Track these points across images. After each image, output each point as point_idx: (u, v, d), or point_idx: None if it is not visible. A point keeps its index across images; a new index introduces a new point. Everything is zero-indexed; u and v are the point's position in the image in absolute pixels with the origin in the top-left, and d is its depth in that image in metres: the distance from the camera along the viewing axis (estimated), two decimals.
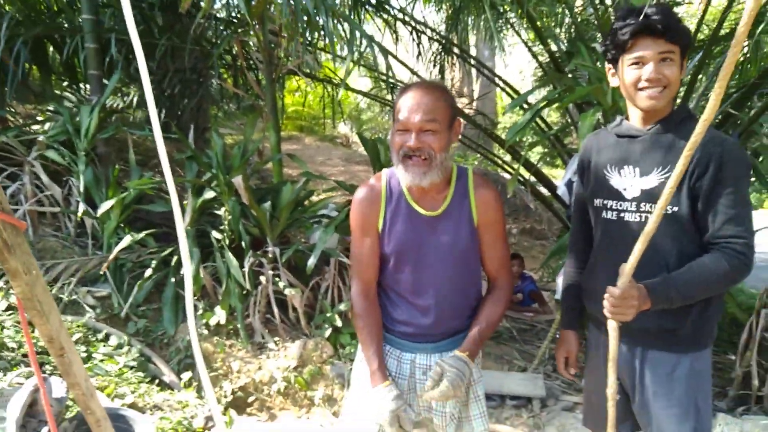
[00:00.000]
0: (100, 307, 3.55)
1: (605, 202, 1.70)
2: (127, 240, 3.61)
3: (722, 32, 3.97)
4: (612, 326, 1.46)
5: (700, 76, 4.16)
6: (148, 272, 3.66)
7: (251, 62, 5.25)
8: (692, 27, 4.92)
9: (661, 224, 1.53)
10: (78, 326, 3.27)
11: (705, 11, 4.42)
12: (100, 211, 3.80)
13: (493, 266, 1.74)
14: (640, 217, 1.61)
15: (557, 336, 4.11)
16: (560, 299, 1.98)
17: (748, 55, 4.24)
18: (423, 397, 1.66)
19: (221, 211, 3.88)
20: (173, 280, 3.65)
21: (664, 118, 1.60)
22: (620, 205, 1.66)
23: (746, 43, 3.98)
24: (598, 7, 4.36)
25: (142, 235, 3.74)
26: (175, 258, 3.73)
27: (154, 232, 3.92)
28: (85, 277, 3.69)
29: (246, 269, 3.58)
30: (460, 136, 1.62)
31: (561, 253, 3.35)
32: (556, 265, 4.05)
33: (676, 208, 1.55)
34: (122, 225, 3.91)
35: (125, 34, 4.75)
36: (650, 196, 1.58)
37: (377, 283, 1.78)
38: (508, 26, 6.13)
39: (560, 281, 3.10)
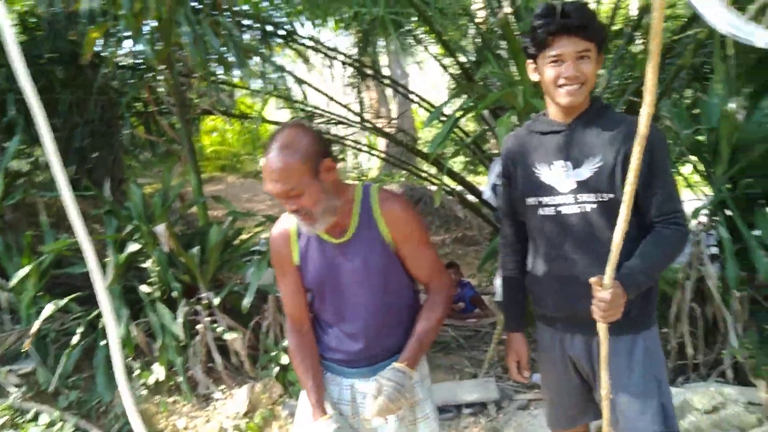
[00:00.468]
0: (26, 384, 3.30)
1: (540, 199, 1.70)
2: (49, 309, 3.39)
3: (615, 28, 4.21)
4: (602, 327, 1.50)
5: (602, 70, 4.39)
6: (75, 339, 3.43)
7: (163, 107, 5.11)
8: None
9: (596, 213, 1.62)
10: (3, 409, 3.02)
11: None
12: (14, 282, 3.56)
13: (423, 274, 1.71)
14: (580, 208, 1.64)
15: (503, 337, 4.17)
16: (501, 302, 1.99)
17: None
18: (365, 417, 1.62)
19: (148, 263, 3.72)
20: (103, 343, 3.44)
21: (584, 112, 1.66)
22: (556, 200, 1.67)
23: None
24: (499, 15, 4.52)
25: (65, 301, 3.52)
26: (102, 320, 3.52)
27: (78, 295, 3.70)
28: (5, 355, 3.42)
29: (180, 320, 3.43)
30: (334, 170, 1.56)
31: (494, 256, 3.41)
32: (491, 268, 4.12)
33: (612, 195, 1.59)
34: (41, 293, 3.67)
35: (23, 93, 4.51)
36: (586, 187, 1.62)
37: (311, 313, 1.77)
38: (417, 43, 6.27)
39: (498, 283, 3.16)
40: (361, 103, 7.18)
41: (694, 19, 3.89)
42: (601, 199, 1.61)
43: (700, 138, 3.22)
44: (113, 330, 1.45)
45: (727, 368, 2.98)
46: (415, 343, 1.63)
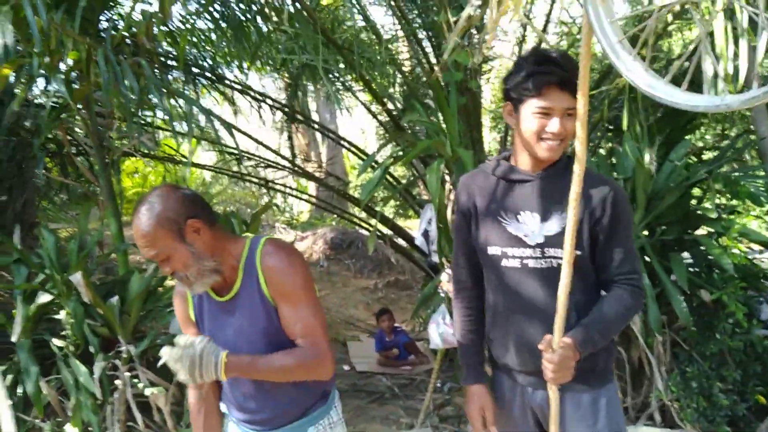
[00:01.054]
0: None
1: (504, 250, 1.63)
2: None
3: None
4: (553, 388, 1.49)
5: None
6: None
7: (80, 148, 4.88)
8: None
9: (561, 269, 1.55)
10: None
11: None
12: None
13: (294, 334, 1.56)
14: (546, 263, 1.59)
15: (438, 384, 4.16)
16: (459, 352, 1.86)
17: None
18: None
19: (62, 315, 3.46)
20: (10, 402, 3.14)
21: (553, 164, 1.60)
22: (523, 252, 1.61)
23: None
24: (425, 66, 4.69)
25: None
26: (9, 377, 3.23)
27: None
28: None
29: (97, 375, 3.19)
30: (198, 234, 1.52)
31: (428, 302, 3.42)
32: (425, 314, 4.13)
33: (579, 252, 1.54)
34: None
35: None
36: (554, 241, 1.56)
37: None
38: (346, 89, 6.37)
39: (432, 329, 3.16)
40: (291, 147, 7.17)
41: (606, 75, 4.18)
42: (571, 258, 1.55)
43: None
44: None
45: (655, 411, 3.07)
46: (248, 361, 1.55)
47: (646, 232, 3.25)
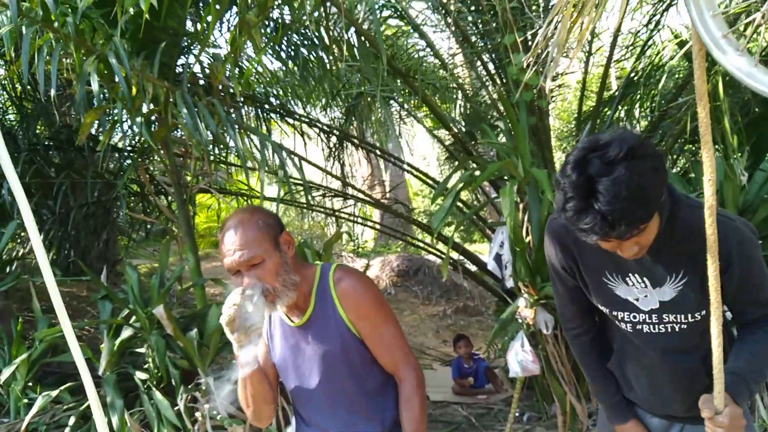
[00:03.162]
0: None
1: (615, 312, 1.49)
2: (40, 402, 3.22)
3: (606, 95, 4.32)
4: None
5: None
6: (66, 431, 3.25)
7: (159, 187, 5.11)
8: (576, 97, 5.36)
9: (687, 331, 1.42)
10: None
11: (584, 84, 4.83)
12: (5, 375, 3.40)
13: (386, 361, 1.57)
14: (666, 328, 1.44)
15: (517, 414, 4.01)
16: (595, 393, 1.74)
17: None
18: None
19: (144, 349, 3.58)
20: None
21: None
22: (635, 318, 1.46)
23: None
24: (490, 89, 4.65)
25: (56, 392, 3.36)
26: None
27: (70, 385, 3.54)
28: None
29: (180, 407, 3.26)
30: (291, 248, 1.54)
31: (505, 328, 3.32)
32: (501, 342, 4.01)
33: (704, 311, 1.35)
34: (30, 383, 3.51)
35: (18, 176, 4.51)
36: (672, 308, 1.41)
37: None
38: (408, 115, 6.41)
39: (511, 357, 3.06)
40: (353, 176, 7.25)
41: (686, 84, 3.99)
42: (692, 320, 1.41)
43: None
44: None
45: None
46: None
47: None
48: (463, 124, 5.21)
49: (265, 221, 1.52)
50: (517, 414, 3.97)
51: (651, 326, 1.43)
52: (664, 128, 3.98)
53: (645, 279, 1.40)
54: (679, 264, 1.36)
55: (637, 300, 1.43)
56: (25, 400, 3.44)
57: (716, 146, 3.22)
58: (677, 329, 1.42)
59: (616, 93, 4.71)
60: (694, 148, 4.15)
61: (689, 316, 1.40)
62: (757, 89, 0.94)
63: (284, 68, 4.77)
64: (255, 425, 1.82)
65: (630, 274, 1.41)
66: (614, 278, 1.44)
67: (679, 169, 4.12)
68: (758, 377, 1.37)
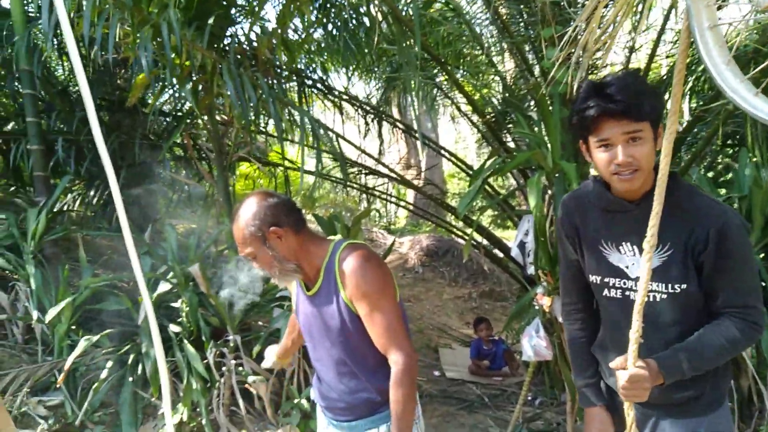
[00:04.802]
0: (53, 416, 3.35)
1: (606, 279, 1.60)
2: (82, 345, 3.46)
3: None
4: (627, 405, 1.47)
5: None
6: (104, 374, 3.50)
7: (201, 153, 5.31)
8: None
9: (666, 303, 1.52)
10: None
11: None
12: (51, 315, 3.66)
13: (379, 343, 1.65)
14: (648, 297, 1.53)
15: (528, 398, 4.11)
16: (573, 374, 1.82)
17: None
18: None
19: (178, 303, 3.80)
20: (131, 379, 3.50)
21: (649, 191, 1.47)
22: (624, 284, 1.57)
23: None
24: (528, 77, 4.66)
25: (97, 337, 3.61)
26: (131, 356, 3.59)
27: (109, 332, 3.79)
28: (35, 386, 3.50)
29: (211, 359, 3.47)
30: (281, 239, 1.68)
31: (522, 314, 3.40)
32: (518, 326, 4.09)
33: (685, 285, 1.48)
34: (74, 327, 3.77)
35: (71, 134, 4.76)
36: (656, 275, 1.50)
37: None
38: (446, 98, 6.44)
39: (525, 342, 3.15)
40: (389, 152, 7.31)
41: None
42: (672, 290, 1.51)
43: (733, 206, 3.22)
44: (163, 367, 1.55)
45: None
46: (396, 426, 1.61)
47: (762, 255, 3.05)
48: (497, 110, 5.24)
49: (251, 223, 1.65)
50: (529, 398, 4.07)
51: (636, 293, 1.47)
52: (699, 130, 3.96)
53: (635, 247, 1.54)
54: (667, 237, 1.48)
55: (627, 267, 1.55)
56: (68, 342, 3.70)
57: (750, 154, 3.21)
58: (658, 299, 1.52)
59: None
60: (731, 152, 4.11)
61: (670, 286, 1.50)
62: (758, 117, 1.01)
63: (327, 43, 4.86)
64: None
65: (623, 243, 1.55)
66: (609, 246, 1.58)
67: (711, 173, 4.08)
68: (695, 360, 1.45)
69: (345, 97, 5.60)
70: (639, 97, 1.40)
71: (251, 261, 1.70)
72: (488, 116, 4.83)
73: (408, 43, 3.60)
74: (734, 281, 1.47)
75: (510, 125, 4.96)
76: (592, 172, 2.86)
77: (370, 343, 1.66)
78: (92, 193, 5.26)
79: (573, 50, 1.51)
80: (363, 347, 1.68)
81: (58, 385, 3.42)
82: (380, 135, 6.20)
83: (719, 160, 4.39)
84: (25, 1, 4.62)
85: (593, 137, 1.46)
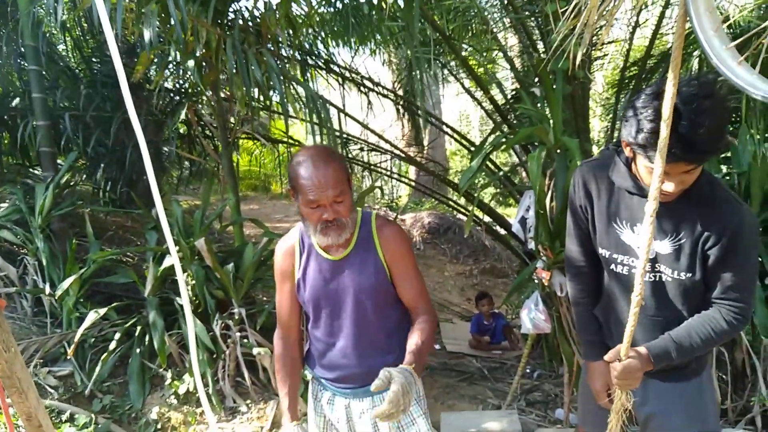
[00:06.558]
0: (63, 386, 3.45)
1: (615, 255, 1.64)
2: (91, 317, 3.54)
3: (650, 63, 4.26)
4: (617, 391, 1.54)
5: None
6: (112, 345, 3.59)
7: (205, 129, 5.33)
8: (620, 64, 5.30)
9: (671, 286, 1.59)
10: None
11: (629, 51, 4.78)
12: (60, 290, 3.73)
13: (410, 297, 1.78)
14: (655, 276, 1.60)
15: (527, 371, 4.19)
16: (578, 329, 1.92)
17: None
18: (373, 415, 1.52)
19: (184, 276, 3.86)
20: (138, 351, 3.59)
21: None
22: (632, 262, 1.61)
23: None
24: (533, 54, 4.65)
25: (105, 310, 3.68)
26: (139, 328, 3.67)
27: (117, 305, 3.87)
28: (45, 357, 3.59)
29: (216, 331, 3.55)
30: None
31: (521, 287, 3.47)
32: (517, 302, 4.16)
33: (690, 274, 1.54)
34: (81, 300, 3.85)
35: (78, 110, 4.79)
36: (665, 260, 1.56)
37: (307, 334, 1.91)
38: (450, 74, 6.43)
39: (524, 315, 3.21)
40: (390, 127, 7.31)
41: None
42: (677, 277, 1.56)
43: (731, 182, 3.24)
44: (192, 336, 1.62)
45: (757, 415, 2.95)
46: (414, 352, 1.63)
47: (761, 229, 3.09)
48: (505, 88, 5.24)
49: (344, 162, 1.69)
50: (527, 370, 4.15)
51: (645, 273, 1.51)
52: None
53: None
54: (681, 225, 1.51)
55: (638, 248, 1.56)
56: (77, 314, 3.78)
57: (751, 130, 3.23)
58: (664, 280, 1.58)
59: (653, 65, 4.65)
60: (730, 128, 4.11)
61: (677, 272, 1.55)
62: (740, 86, 1.04)
63: (332, 17, 4.85)
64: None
65: (639, 224, 1.56)
66: (623, 225, 1.60)
67: None
68: (683, 348, 1.52)
69: (348, 75, 5.60)
70: (718, 149, 1.34)
71: (337, 204, 1.62)
72: (490, 93, 4.82)
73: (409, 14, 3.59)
74: (734, 276, 1.51)
75: (512, 101, 4.97)
76: (595, 149, 2.87)
77: (393, 305, 1.78)
78: (99, 172, 5.30)
79: (575, 25, 1.52)
80: (388, 307, 1.78)
81: (68, 357, 3.51)
82: (382, 112, 6.21)
83: None
84: None
85: (644, 161, 1.40)
